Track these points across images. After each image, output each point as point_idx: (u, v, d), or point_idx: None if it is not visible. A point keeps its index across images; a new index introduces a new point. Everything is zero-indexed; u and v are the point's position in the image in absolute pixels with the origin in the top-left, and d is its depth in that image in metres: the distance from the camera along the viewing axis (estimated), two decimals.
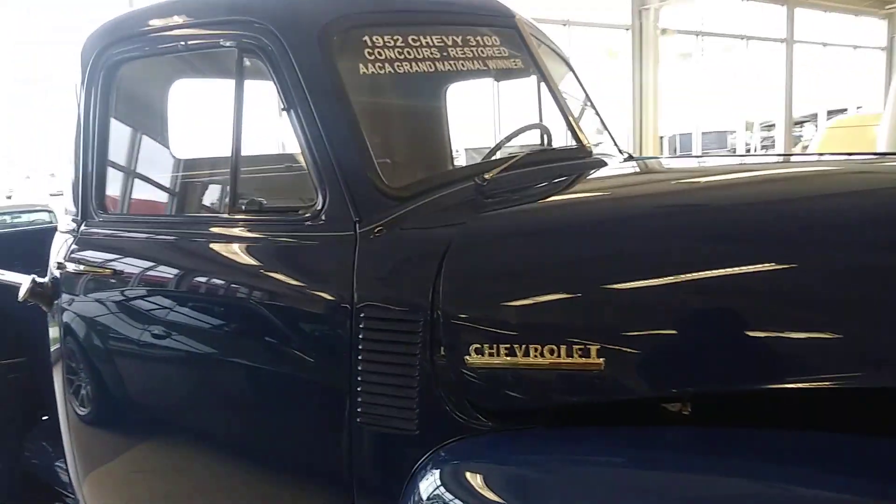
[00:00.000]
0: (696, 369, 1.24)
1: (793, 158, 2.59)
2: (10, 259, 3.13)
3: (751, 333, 1.22)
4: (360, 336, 1.46)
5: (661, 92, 11.86)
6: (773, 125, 16.16)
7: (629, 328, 1.27)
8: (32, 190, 12.19)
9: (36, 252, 2.43)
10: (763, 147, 17.32)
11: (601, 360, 1.26)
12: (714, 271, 1.28)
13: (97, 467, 2.11)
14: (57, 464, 2.43)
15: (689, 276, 1.29)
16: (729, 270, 1.27)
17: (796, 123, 17.16)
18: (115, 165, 2.03)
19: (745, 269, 1.26)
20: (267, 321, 1.65)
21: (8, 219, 9.70)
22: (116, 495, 2.11)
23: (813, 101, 16.44)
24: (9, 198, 12.99)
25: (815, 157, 2.98)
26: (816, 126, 16.15)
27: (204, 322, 1.78)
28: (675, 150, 16.70)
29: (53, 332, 2.08)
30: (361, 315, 1.47)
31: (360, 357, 1.46)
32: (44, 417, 2.64)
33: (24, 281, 2.04)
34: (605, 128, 2.66)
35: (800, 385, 1.19)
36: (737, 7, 13.67)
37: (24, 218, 9.62)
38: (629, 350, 1.27)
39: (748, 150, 16.17)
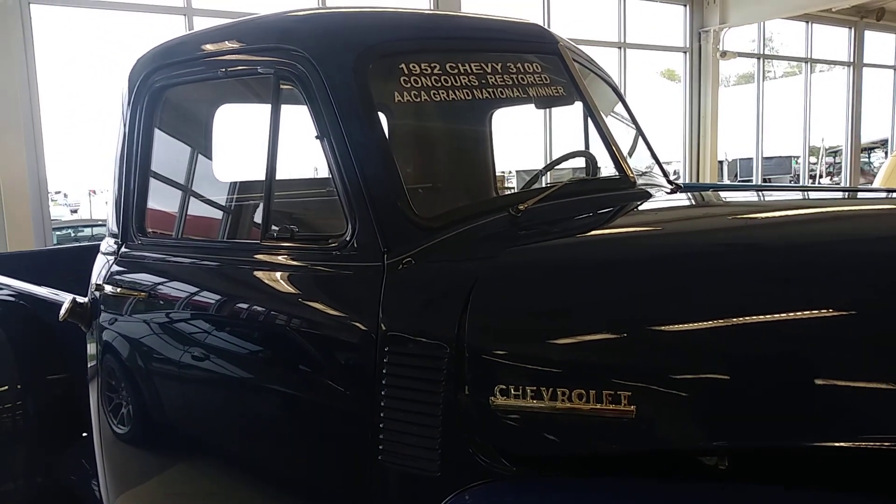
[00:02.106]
0: (736, 423, 1.16)
1: (860, 194, 2.44)
2: (64, 275, 3.23)
3: (799, 385, 1.13)
4: (385, 370, 1.42)
5: (721, 115, 11.58)
6: (840, 150, 15.62)
7: (664, 375, 1.20)
8: (96, 205, 12.67)
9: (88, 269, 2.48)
10: (829, 174, 16.71)
11: (632, 407, 1.19)
12: (759, 316, 1.19)
13: (127, 487, 2.12)
14: (94, 482, 2.45)
15: (731, 321, 1.20)
16: (777, 316, 1.18)
17: (864, 149, 16.51)
18: (155, 189, 2.05)
19: (796, 314, 1.17)
20: (295, 350, 1.63)
21: (72, 233, 10.08)
22: None
23: (885, 127, 15.83)
24: (74, 212, 13.53)
25: (883, 194, 2.82)
26: (886, 152, 15.50)
27: (232, 348, 1.77)
28: (735, 176, 16.25)
29: (91, 350, 2.11)
30: (386, 348, 1.43)
31: (383, 392, 1.42)
32: (83, 434, 2.68)
33: (65, 300, 2.08)
34: (654, 156, 2.57)
35: (852, 444, 1.09)
36: (801, 30, 13.29)
37: (87, 232, 9.97)
38: (663, 399, 1.19)
39: (812, 176, 15.64)
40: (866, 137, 15.85)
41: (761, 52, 13.00)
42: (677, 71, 12.05)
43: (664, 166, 2.59)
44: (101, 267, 2.08)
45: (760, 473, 1.22)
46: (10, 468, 2.55)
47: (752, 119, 12.88)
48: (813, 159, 15.47)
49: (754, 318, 1.19)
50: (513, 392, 1.28)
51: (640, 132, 2.52)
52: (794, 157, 16.47)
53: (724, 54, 11.42)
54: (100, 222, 10.13)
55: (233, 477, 1.86)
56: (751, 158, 13.50)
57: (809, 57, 13.53)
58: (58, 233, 8.94)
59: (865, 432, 1.10)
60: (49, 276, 2.98)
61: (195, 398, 1.89)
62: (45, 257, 3.91)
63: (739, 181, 15.37)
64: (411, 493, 1.43)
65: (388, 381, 1.42)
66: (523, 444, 1.30)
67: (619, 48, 10.58)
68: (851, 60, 14.17)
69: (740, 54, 12.27)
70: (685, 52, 11.44)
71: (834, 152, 16.38)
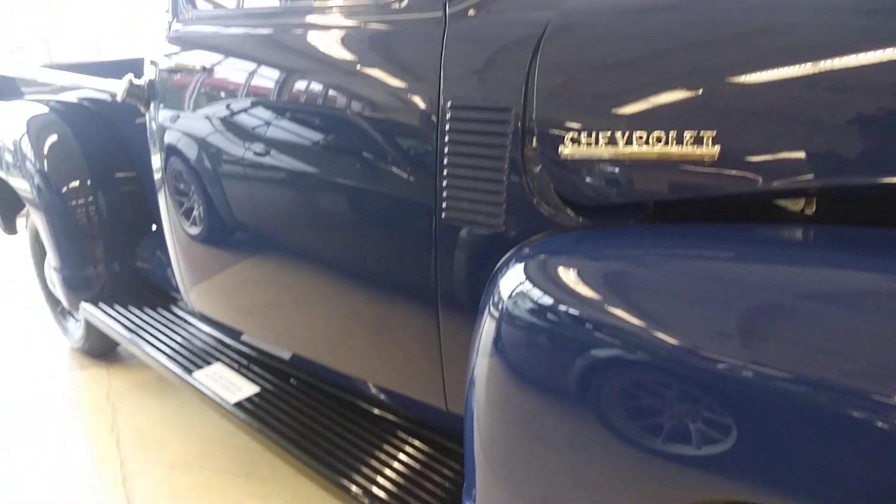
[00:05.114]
0: (827, 161, 1.05)
1: None
2: None
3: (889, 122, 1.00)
4: (448, 127, 1.35)
5: None
6: None
7: (752, 113, 1.08)
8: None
9: None
10: None
11: (716, 148, 1.09)
12: (863, 53, 1.05)
13: (201, 279, 2.18)
14: (168, 269, 2.56)
15: (832, 59, 1.06)
16: (881, 53, 1.04)
17: None
18: None
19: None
20: (353, 117, 1.56)
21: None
22: (220, 303, 2.19)
23: None
24: None
25: None
26: None
27: (291, 119, 1.70)
28: None
29: (152, 146, 2.10)
30: (449, 104, 1.35)
31: (446, 149, 1.36)
32: (153, 228, 2.77)
33: (121, 84, 2.05)
34: None
35: None
36: None
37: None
38: (750, 137, 1.08)
39: None
40: None
41: None
42: None
43: None
44: (154, 45, 2.02)
45: (849, 220, 1.14)
46: (89, 256, 2.70)
47: None
48: None
49: (852, 56, 1.04)
50: (584, 139, 1.19)
51: None
52: None
53: None
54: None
55: (303, 258, 1.85)
56: None
57: None
58: None
59: None
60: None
61: (257, 182, 1.86)
62: (102, 68, 3.91)
63: None
64: (475, 250, 1.40)
65: (452, 137, 1.35)
66: (594, 193, 1.23)
67: None
68: None
69: None
70: None
71: None
